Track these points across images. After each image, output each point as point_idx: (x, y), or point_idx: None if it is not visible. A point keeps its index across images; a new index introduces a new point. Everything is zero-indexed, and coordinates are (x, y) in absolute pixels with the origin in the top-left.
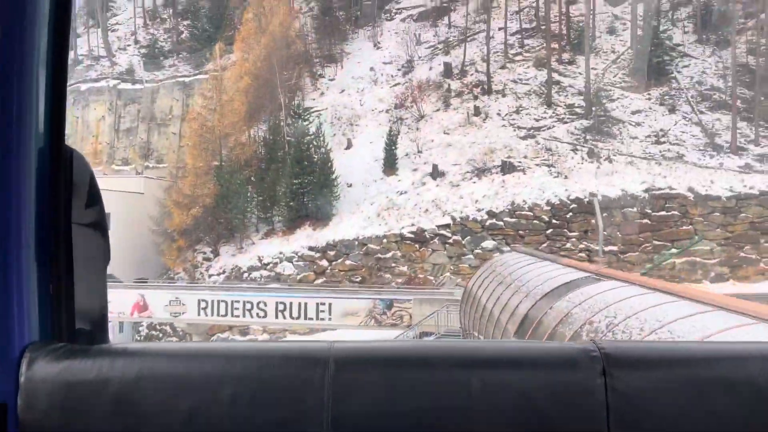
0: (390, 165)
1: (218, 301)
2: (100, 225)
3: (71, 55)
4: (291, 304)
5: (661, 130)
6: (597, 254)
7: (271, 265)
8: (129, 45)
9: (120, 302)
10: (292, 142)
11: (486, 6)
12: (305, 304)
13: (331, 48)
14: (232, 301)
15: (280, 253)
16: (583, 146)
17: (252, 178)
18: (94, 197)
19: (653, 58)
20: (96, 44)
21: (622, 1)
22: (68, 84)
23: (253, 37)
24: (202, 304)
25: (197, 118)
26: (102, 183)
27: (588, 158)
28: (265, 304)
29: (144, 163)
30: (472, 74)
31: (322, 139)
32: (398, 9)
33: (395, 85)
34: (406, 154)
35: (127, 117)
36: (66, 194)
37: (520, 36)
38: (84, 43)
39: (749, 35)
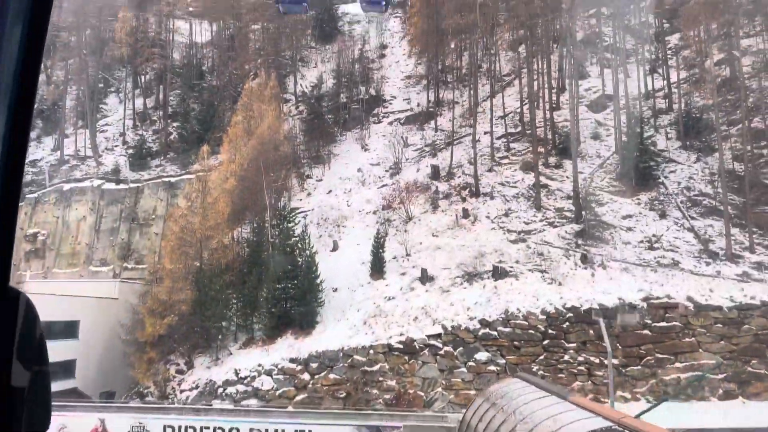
0: (377, 269)
1: (186, 427)
2: (42, 381)
3: (56, 155)
4: (267, 431)
5: (654, 235)
6: (599, 369)
7: (248, 379)
8: (116, 146)
9: (77, 428)
10: (277, 244)
11: (471, 111)
12: (282, 431)
13: (319, 149)
14: (201, 427)
15: (259, 365)
16: (576, 251)
17: (233, 283)
18: (38, 347)
19: (639, 164)
20: (83, 145)
21: (604, 108)
22: (51, 184)
23: (241, 139)
24: (168, 431)
25: (178, 220)
26: (75, 288)
27: (581, 264)
28: (238, 431)
29: (123, 264)
30: (459, 176)
31: (307, 241)
32: (386, 113)
33: (383, 186)
34: (394, 257)
35: (109, 217)
36: (7, 343)
37: (505, 140)
38: (71, 143)
39: (733, 142)
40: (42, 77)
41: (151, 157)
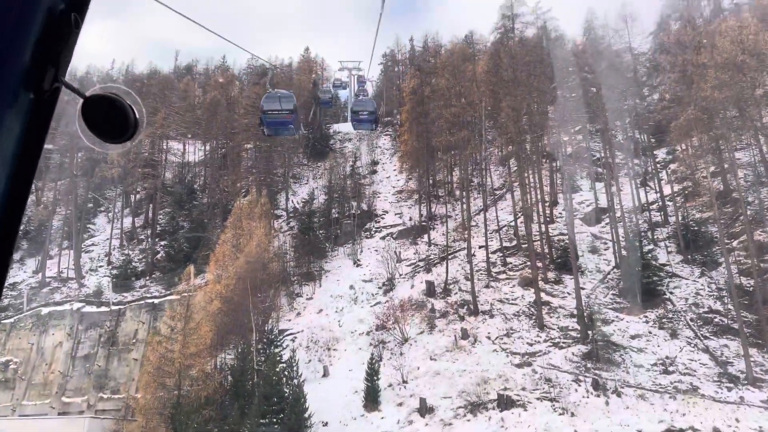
0: (372, 398)
1: None
2: None
3: (38, 277)
4: None
5: (667, 357)
6: None
7: None
8: (101, 266)
9: None
10: (262, 371)
11: (465, 224)
12: None
13: (310, 266)
14: None
15: None
16: (586, 375)
17: (213, 418)
18: None
19: (642, 279)
20: (67, 266)
21: (598, 221)
22: (29, 307)
23: (228, 258)
24: None
25: (157, 348)
26: (39, 428)
27: (593, 391)
28: None
29: (98, 394)
30: (456, 293)
31: (295, 368)
32: (378, 228)
33: (376, 304)
34: (390, 385)
35: (87, 342)
36: None
37: (501, 254)
38: (55, 264)
39: (737, 255)
40: (31, 198)
41: (136, 278)
